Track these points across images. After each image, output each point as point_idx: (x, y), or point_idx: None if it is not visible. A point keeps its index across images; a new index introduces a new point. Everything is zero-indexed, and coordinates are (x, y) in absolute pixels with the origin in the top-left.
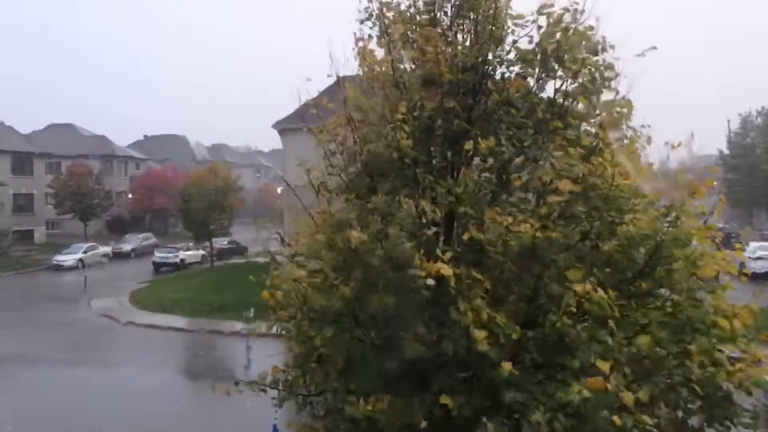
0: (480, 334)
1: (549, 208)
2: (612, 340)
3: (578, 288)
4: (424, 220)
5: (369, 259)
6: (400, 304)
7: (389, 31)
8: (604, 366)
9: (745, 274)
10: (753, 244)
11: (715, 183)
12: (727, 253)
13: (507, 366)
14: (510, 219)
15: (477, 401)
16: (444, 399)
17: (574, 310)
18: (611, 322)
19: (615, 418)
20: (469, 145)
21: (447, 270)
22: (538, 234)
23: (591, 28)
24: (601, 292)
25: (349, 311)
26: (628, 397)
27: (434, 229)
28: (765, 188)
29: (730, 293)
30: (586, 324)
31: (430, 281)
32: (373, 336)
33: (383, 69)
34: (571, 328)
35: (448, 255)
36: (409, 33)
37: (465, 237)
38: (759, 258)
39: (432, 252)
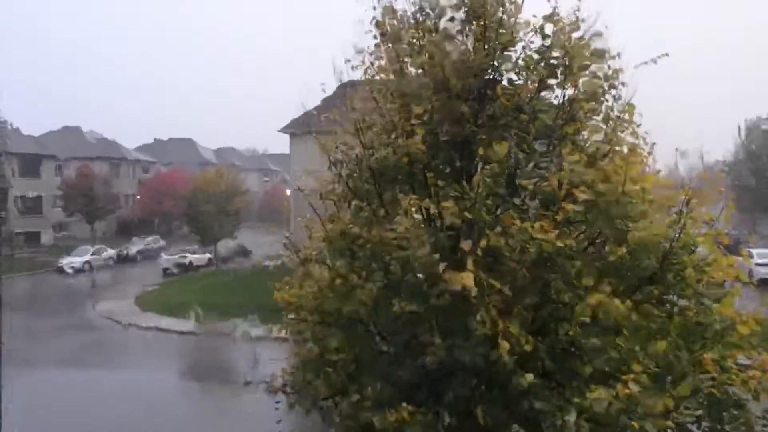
0: (504, 344)
1: (565, 215)
2: (626, 347)
3: (592, 300)
4: (438, 225)
5: (389, 262)
6: (418, 311)
7: (395, 37)
8: (630, 373)
9: (753, 282)
10: (755, 251)
11: (722, 189)
12: (734, 259)
13: (528, 377)
14: (536, 225)
15: (493, 410)
16: (478, 413)
17: (588, 320)
18: (625, 330)
19: (634, 423)
20: (483, 149)
21: (470, 281)
22: (559, 242)
23: (600, 34)
24: (617, 301)
25: (364, 317)
26: (658, 404)
27: (450, 233)
28: None
29: (736, 300)
30: (597, 331)
31: (455, 287)
32: (384, 343)
33: (390, 76)
34: (582, 338)
35: (471, 263)
36: (415, 39)
37: (482, 244)
38: (761, 264)
39: (447, 259)
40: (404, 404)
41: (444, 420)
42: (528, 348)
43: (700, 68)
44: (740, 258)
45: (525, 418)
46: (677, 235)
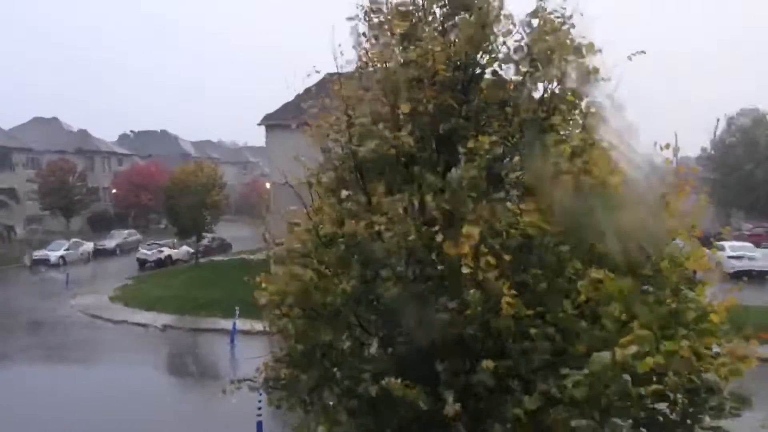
0: (507, 300)
1: (549, 201)
2: (613, 326)
3: (594, 274)
4: (419, 219)
5: (372, 250)
6: (408, 294)
7: (384, 26)
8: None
9: (725, 272)
10: (728, 244)
11: (695, 183)
12: (706, 251)
13: (535, 330)
14: (522, 206)
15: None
16: (486, 363)
17: (584, 298)
18: (616, 307)
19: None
20: (472, 143)
21: (466, 248)
22: (544, 225)
23: (571, 24)
24: (613, 276)
25: (344, 309)
26: (645, 363)
27: (431, 227)
28: (744, 188)
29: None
30: (587, 313)
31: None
32: (369, 331)
33: (380, 65)
34: (575, 319)
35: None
36: (401, 30)
37: (464, 231)
38: (733, 257)
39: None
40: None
41: (444, 397)
42: (527, 313)
43: (682, 65)
44: (710, 251)
45: (524, 385)
46: (652, 228)
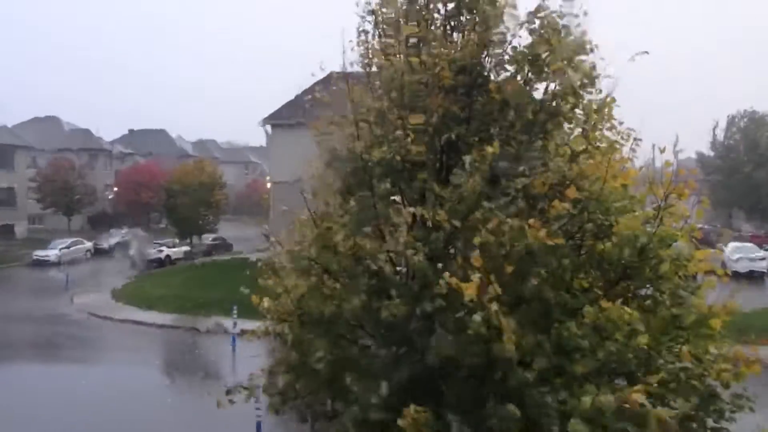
0: (510, 340)
1: (555, 213)
2: (614, 347)
3: (603, 303)
4: (430, 225)
5: (378, 265)
6: (409, 313)
7: (392, 28)
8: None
9: (727, 274)
10: (731, 245)
11: (696, 184)
12: (708, 252)
13: (537, 365)
14: (530, 222)
15: (499, 410)
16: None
17: (588, 321)
18: (618, 336)
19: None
20: (477, 151)
21: (471, 289)
22: (549, 241)
23: (579, 28)
24: (626, 308)
25: (349, 317)
26: (656, 415)
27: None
28: (745, 189)
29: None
30: (589, 331)
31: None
32: (375, 343)
33: (385, 65)
34: (579, 339)
35: (464, 265)
36: (407, 32)
37: (476, 241)
38: (738, 259)
39: (443, 257)
40: (409, 405)
41: (447, 419)
42: (526, 342)
43: (680, 67)
44: (714, 251)
45: (525, 417)
46: (654, 230)
